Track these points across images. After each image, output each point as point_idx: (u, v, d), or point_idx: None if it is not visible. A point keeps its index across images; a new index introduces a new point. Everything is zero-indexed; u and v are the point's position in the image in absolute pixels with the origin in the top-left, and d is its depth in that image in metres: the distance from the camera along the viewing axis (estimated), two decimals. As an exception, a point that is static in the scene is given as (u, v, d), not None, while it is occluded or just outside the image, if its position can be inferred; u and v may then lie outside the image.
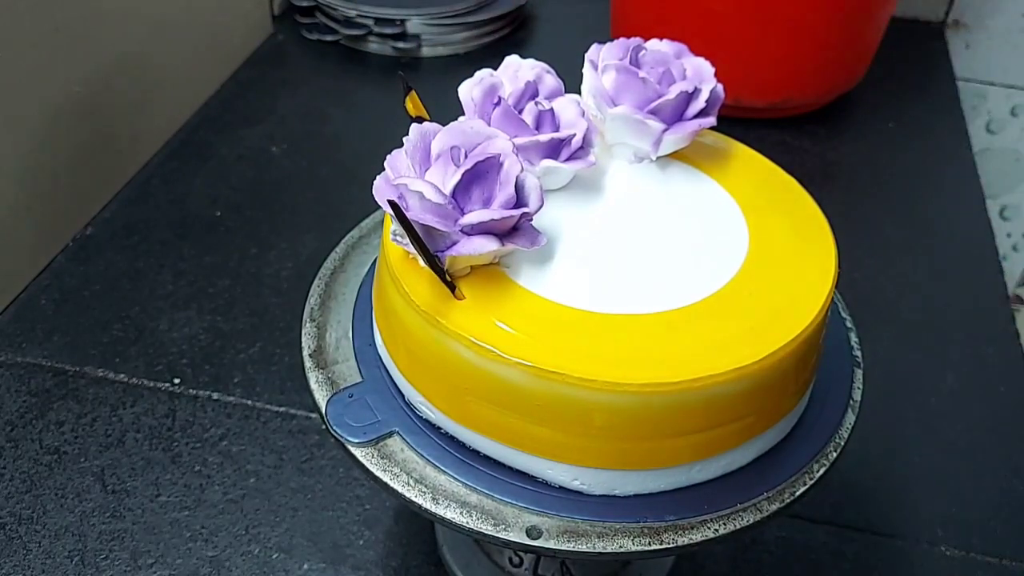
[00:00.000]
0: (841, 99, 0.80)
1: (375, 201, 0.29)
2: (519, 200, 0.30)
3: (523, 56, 0.36)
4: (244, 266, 0.60)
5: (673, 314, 0.30)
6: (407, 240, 0.30)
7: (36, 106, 0.57)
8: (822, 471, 0.32)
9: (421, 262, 0.30)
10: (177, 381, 0.52)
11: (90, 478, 0.47)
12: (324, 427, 0.32)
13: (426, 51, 0.84)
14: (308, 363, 0.35)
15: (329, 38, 0.84)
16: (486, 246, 0.29)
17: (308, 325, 0.36)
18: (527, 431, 0.30)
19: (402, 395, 0.33)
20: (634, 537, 0.30)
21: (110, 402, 0.50)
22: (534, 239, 0.30)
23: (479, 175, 0.29)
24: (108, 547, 0.44)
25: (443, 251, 0.29)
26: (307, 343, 0.35)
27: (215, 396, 0.51)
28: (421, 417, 0.33)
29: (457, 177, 0.28)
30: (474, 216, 0.29)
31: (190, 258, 0.60)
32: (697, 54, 0.37)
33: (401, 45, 0.83)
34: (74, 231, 0.62)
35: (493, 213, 0.29)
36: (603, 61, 0.36)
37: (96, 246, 0.61)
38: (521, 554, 0.41)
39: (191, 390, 0.51)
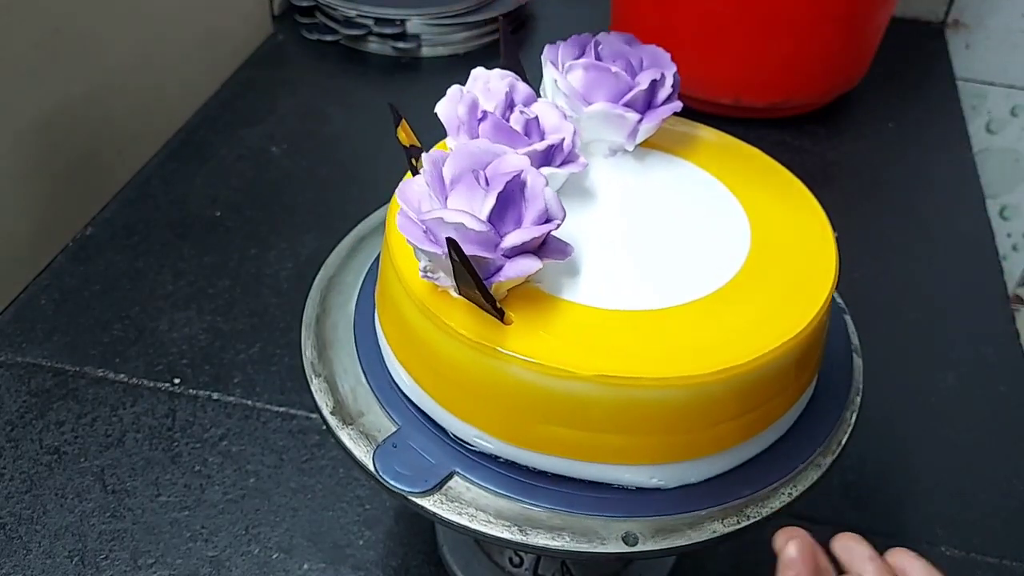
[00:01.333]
0: (841, 99, 0.80)
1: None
2: (548, 214, 0.29)
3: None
4: (244, 266, 0.60)
5: (703, 303, 0.31)
6: (439, 275, 0.29)
7: (36, 107, 0.57)
8: (854, 416, 0.34)
9: (453, 294, 0.29)
10: (177, 381, 0.52)
11: (90, 478, 0.47)
12: (380, 485, 0.31)
13: (426, 51, 0.84)
14: (333, 422, 0.33)
15: (329, 38, 0.84)
16: (532, 266, 0.28)
17: (316, 381, 0.34)
18: (600, 441, 0.30)
19: (446, 432, 0.32)
20: (722, 519, 0.31)
21: (110, 402, 0.50)
22: (564, 249, 0.30)
23: (507, 195, 0.28)
24: (108, 547, 0.44)
25: (489, 278, 0.28)
26: (324, 401, 0.34)
27: (215, 396, 0.51)
28: (474, 450, 0.32)
29: (492, 201, 0.28)
30: (515, 237, 0.28)
31: (190, 258, 0.60)
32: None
33: (401, 45, 0.83)
34: (74, 231, 0.62)
35: (533, 231, 0.28)
36: (565, 61, 0.36)
37: (96, 246, 0.61)
38: (521, 554, 0.41)
39: (191, 390, 0.51)
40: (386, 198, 0.39)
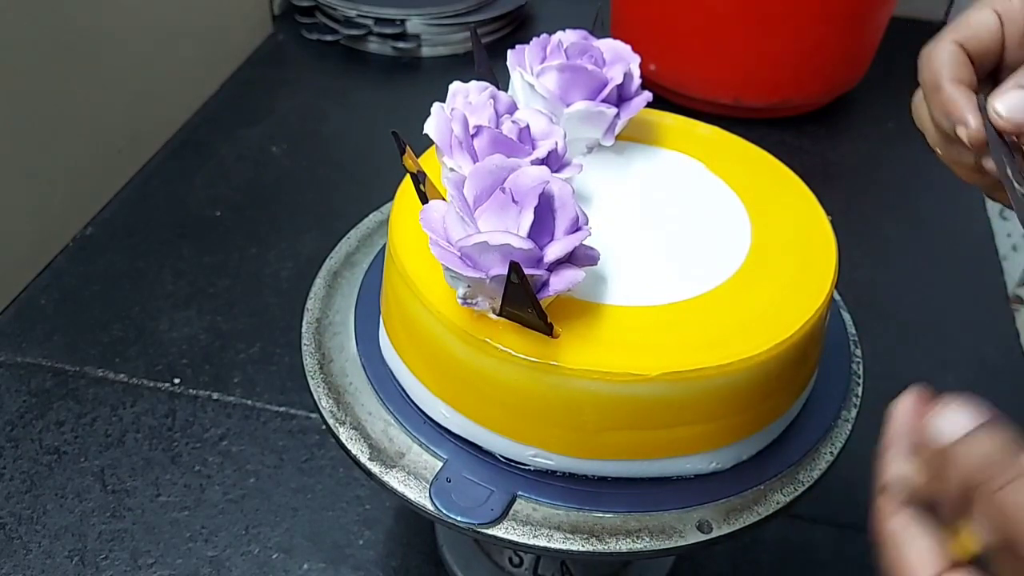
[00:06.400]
0: (841, 99, 0.80)
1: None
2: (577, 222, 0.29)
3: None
4: (244, 266, 0.60)
5: (731, 285, 0.32)
6: (478, 299, 0.29)
7: (36, 106, 0.57)
8: (861, 368, 0.37)
9: (492, 316, 0.29)
10: (177, 381, 0.52)
11: (90, 478, 0.47)
12: (444, 522, 0.30)
13: (426, 51, 0.84)
14: (375, 468, 0.32)
15: (329, 38, 0.84)
16: (576, 276, 0.28)
17: (343, 430, 0.33)
18: (663, 437, 0.30)
19: (495, 456, 0.32)
20: (780, 490, 0.31)
21: (110, 402, 0.50)
22: (593, 255, 0.29)
23: (540, 208, 0.28)
24: (108, 547, 0.44)
25: (538, 294, 0.28)
26: (359, 450, 0.32)
27: (215, 396, 0.51)
28: (530, 469, 0.31)
29: (530, 216, 0.27)
30: (557, 249, 0.27)
31: (190, 258, 0.60)
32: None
33: (401, 45, 0.83)
34: (74, 231, 0.62)
35: (571, 241, 0.28)
36: (534, 64, 0.35)
37: (96, 246, 0.61)
38: (521, 554, 0.41)
39: (191, 390, 0.51)
40: (386, 198, 0.39)
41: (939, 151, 0.31)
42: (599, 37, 0.37)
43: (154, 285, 0.58)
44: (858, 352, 0.37)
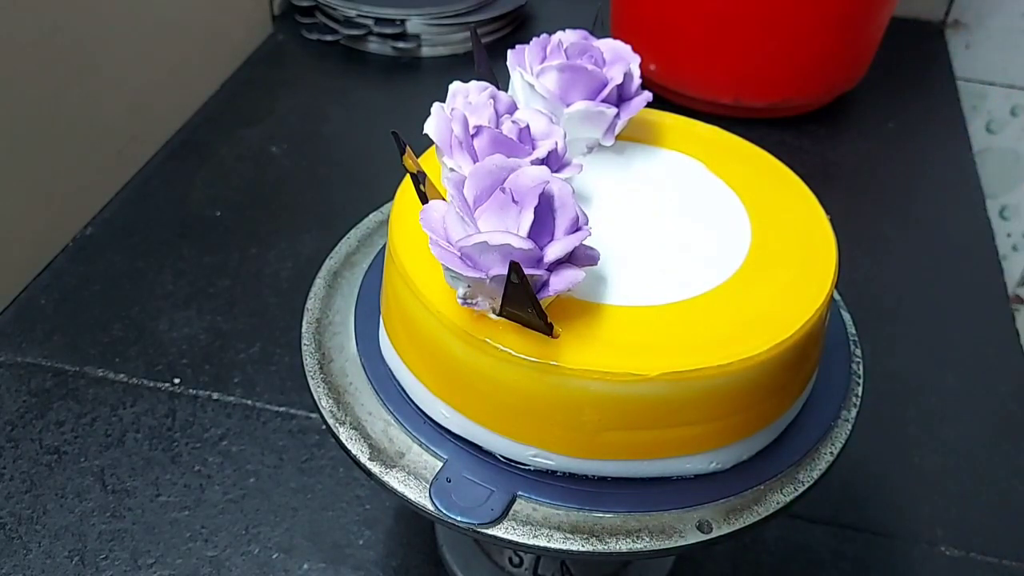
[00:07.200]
0: (841, 99, 0.80)
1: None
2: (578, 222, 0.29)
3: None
4: (244, 266, 0.60)
5: (731, 286, 0.32)
6: (478, 299, 0.29)
7: (36, 106, 0.57)
8: (861, 368, 0.36)
9: (492, 316, 0.29)
10: (177, 381, 0.52)
11: (90, 478, 0.47)
12: (444, 522, 0.30)
13: (426, 51, 0.84)
14: (375, 468, 0.31)
15: (329, 38, 0.84)
16: (576, 276, 0.28)
17: (343, 430, 0.33)
18: (663, 437, 0.30)
19: (495, 456, 0.32)
20: (780, 489, 0.31)
21: (110, 402, 0.50)
22: (593, 255, 0.29)
23: (540, 208, 0.28)
24: (108, 547, 0.44)
25: (538, 294, 0.28)
26: (359, 450, 0.32)
27: (215, 396, 0.51)
28: (530, 469, 0.31)
29: (530, 216, 0.27)
30: (557, 249, 0.27)
31: (190, 258, 0.60)
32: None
33: (401, 45, 0.83)
34: (74, 231, 0.62)
35: (571, 240, 0.28)
36: (533, 64, 0.35)
37: (96, 246, 0.61)
38: (521, 554, 0.41)
39: (191, 390, 0.51)
40: (386, 198, 0.39)
41: None
42: (599, 37, 0.37)
43: (154, 285, 0.58)
44: (858, 352, 0.37)
